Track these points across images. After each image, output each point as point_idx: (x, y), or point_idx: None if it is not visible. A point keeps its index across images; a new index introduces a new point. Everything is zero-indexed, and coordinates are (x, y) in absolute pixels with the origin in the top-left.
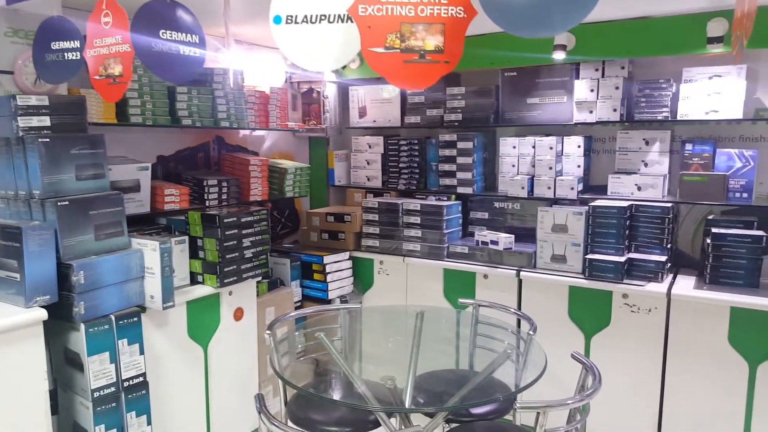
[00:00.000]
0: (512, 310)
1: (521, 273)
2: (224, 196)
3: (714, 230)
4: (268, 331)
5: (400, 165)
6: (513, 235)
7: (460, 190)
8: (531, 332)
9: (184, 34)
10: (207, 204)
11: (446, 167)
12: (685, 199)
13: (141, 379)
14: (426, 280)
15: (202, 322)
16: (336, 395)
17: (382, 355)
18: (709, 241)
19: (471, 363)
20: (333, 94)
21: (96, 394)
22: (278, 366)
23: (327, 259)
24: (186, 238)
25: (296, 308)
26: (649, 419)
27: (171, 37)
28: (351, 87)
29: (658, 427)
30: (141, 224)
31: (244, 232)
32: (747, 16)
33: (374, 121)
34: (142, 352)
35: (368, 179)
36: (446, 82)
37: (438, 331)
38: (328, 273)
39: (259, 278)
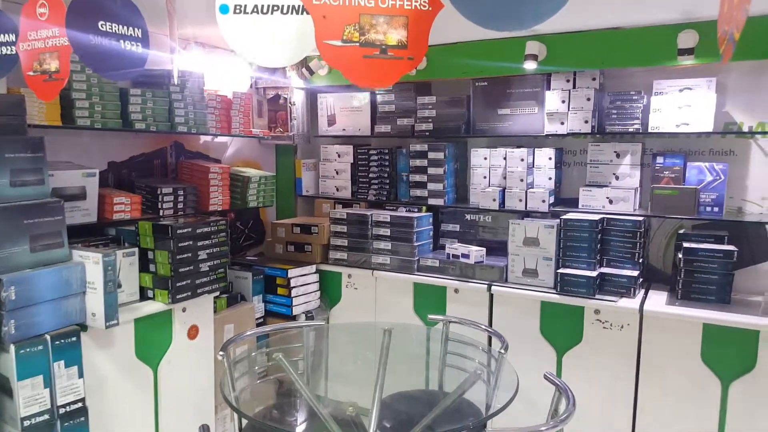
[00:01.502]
0: (483, 327)
1: (492, 287)
2: (180, 206)
3: (685, 245)
4: (221, 352)
5: (370, 175)
6: (484, 249)
7: (431, 201)
8: (502, 350)
9: (125, 27)
10: (161, 214)
11: (417, 178)
12: (656, 213)
13: (80, 404)
14: (396, 295)
15: (151, 342)
16: (298, 419)
17: (347, 375)
18: (680, 255)
19: (441, 383)
20: (301, 100)
21: (26, 423)
22: (232, 390)
23: (292, 272)
24: (136, 250)
25: (258, 325)
26: None
27: (111, 29)
28: (320, 94)
29: None
30: (88, 235)
31: (200, 243)
32: (737, 7)
33: (344, 129)
34: (81, 375)
35: (337, 189)
36: (417, 91)
37: (407, 348)
38: (293, 287)
39: (217, 293)
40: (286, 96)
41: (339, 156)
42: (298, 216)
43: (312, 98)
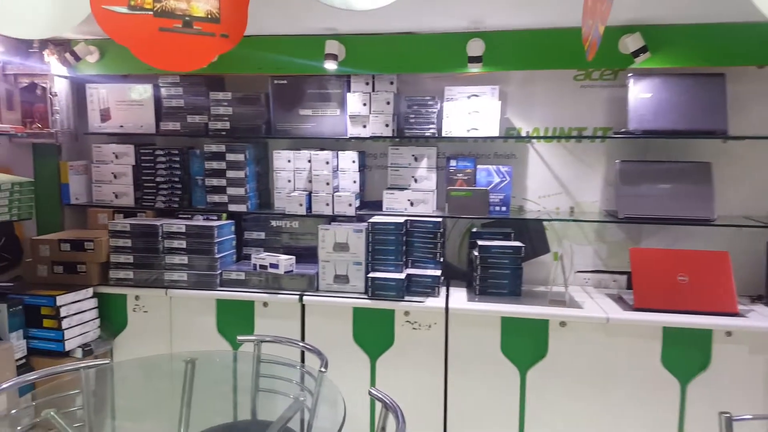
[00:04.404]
0: (300, 345)
1: (304, 297)
2: None
3: (480, 243)
4: None
5: (158, 179)
6: (294, 257)
7: (232, 207)
8: (323, 369)
9: None
10: None
11: (214, 182)
12: (453, 214)
13: None
14: (195, 315)
15: None
16: None
17: (143, 419)
18: (476, 253)
19: (253, 410)
20: (64, 91)
21: None
22: None
23: (62, 299)
24: None
25: (19, 367)
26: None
27: None
28: (89, 84)
29: None
30: None
31: None
32: (601, 2)
33: (121, 126)
34: None
35: (116, 196)
36: (209, 86)
37: (212, 377)
38: (64, 317)
39: None
40: (44, 85)
41: (117, 157)
42: (65, 230)
43: (79, 89)
